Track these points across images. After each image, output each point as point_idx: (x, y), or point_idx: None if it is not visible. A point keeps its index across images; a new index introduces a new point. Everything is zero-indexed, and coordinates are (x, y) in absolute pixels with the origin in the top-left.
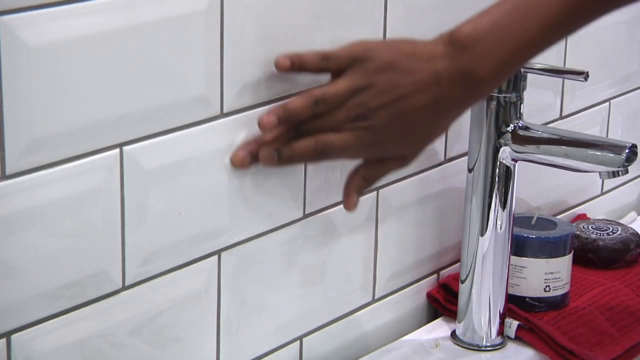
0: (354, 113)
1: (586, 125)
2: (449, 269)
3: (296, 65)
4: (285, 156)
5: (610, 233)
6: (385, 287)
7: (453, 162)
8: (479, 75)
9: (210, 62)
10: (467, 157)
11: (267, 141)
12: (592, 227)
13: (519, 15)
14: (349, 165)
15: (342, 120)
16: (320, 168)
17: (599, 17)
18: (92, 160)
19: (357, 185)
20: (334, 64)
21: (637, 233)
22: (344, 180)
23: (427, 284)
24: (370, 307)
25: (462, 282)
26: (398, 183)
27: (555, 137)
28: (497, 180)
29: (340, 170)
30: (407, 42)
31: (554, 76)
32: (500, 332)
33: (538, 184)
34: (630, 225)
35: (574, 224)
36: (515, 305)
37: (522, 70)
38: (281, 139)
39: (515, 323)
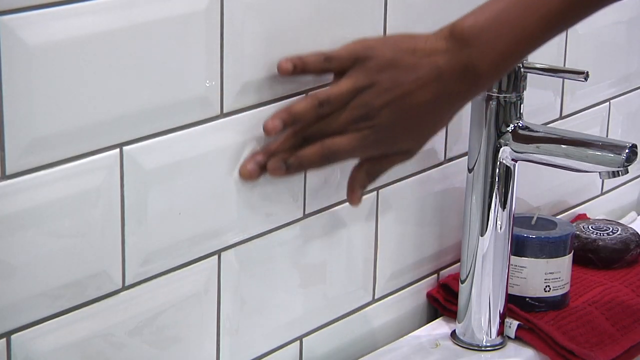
0: (358, 113)
1: (586, 125)
2: (449, 269)
3: (299, 68)
4: (293, 165)
5: (610, 233)
6: (385, 287)
7: (453, 162)
8: (480, 69)
9: (210, 62)
10: (467, 157)
11: (273, 151)
12: (592, 227)
13: (520, 9)
14: (348, 165)
15: (346, 122)
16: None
17: (599, 10)
18: (92, 160)
19: (361, 181)
20: (336, 65)
21: (637, 233)
22: (344, 180)
23: (427, 284)
24: (370, 307)
25: (462, 282)
26: (398, 183)
27: (555, 137)
28: (497, 180)
29: (340, 170)
30: (407, 37)
31: (554, 76)
32: (500, 332)
33: (538, 184)
34: (630, 225)
35: (574, 224)
36: (515, 305)
37: (522, 70)
38: (287, 147)
39: (515, 323)
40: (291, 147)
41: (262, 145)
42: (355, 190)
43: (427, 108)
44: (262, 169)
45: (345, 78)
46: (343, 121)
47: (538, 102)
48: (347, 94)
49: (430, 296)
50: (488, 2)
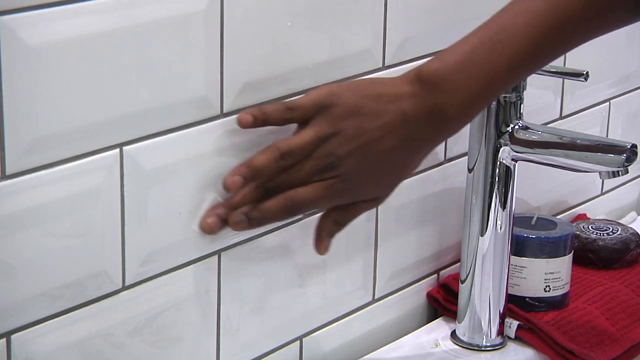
0: (322, 163)
1: (586, 125)
2: (449, 269)
3: (259, 120)
4: (256, 218)
5: (610, 233)
6: (385, 287)
7: (453, 162)
8: (448, 114)
9: (210, 62)
10: (467, 157)
11: (235, 204)
12: (592, 227)
13: (486, 51)
14: None
15: (310, 172)
16: None
17: (567, 51)
18: (92, 160)
19: (330, 230)
20: (298, 114)
21: (637, 233)
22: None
23: (427, 284)
24: (370, 307)
25: (462, 282)
26: None
27: (555, 137)
28: (497, 180)
29: None
30: (371, 83)
31: (554, 76)
32: (500, 332)
33: (538, 184)
34: (630, 225)
35: (574, 224)
36: (515, 305)
37: None
38: (249, 200)
39: (515, 323)
40: (253, 200)
41: (225, 197)
42: (323, 240)
43: (393, 154)
44: (224, 222)
45: (308, 127)
46: (307, 172)
47: (538, 102)
48: (310, 144)
49: (430, 296)
50: (453, 46)
